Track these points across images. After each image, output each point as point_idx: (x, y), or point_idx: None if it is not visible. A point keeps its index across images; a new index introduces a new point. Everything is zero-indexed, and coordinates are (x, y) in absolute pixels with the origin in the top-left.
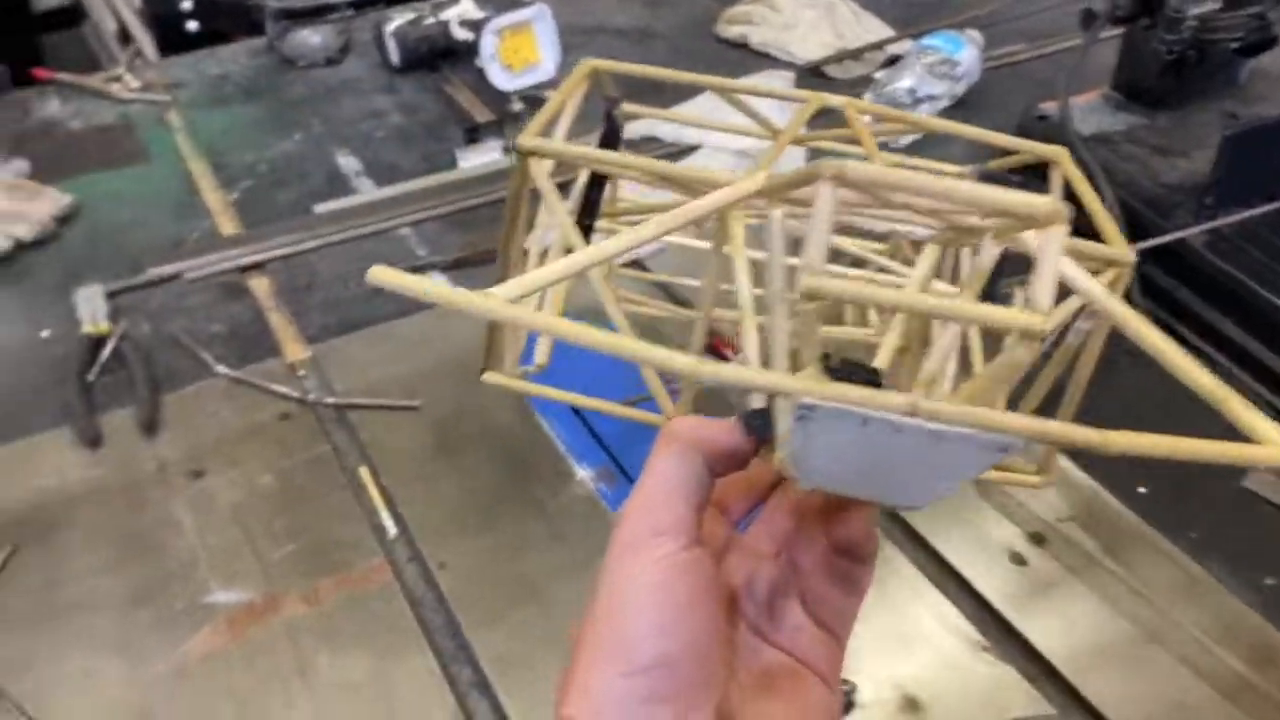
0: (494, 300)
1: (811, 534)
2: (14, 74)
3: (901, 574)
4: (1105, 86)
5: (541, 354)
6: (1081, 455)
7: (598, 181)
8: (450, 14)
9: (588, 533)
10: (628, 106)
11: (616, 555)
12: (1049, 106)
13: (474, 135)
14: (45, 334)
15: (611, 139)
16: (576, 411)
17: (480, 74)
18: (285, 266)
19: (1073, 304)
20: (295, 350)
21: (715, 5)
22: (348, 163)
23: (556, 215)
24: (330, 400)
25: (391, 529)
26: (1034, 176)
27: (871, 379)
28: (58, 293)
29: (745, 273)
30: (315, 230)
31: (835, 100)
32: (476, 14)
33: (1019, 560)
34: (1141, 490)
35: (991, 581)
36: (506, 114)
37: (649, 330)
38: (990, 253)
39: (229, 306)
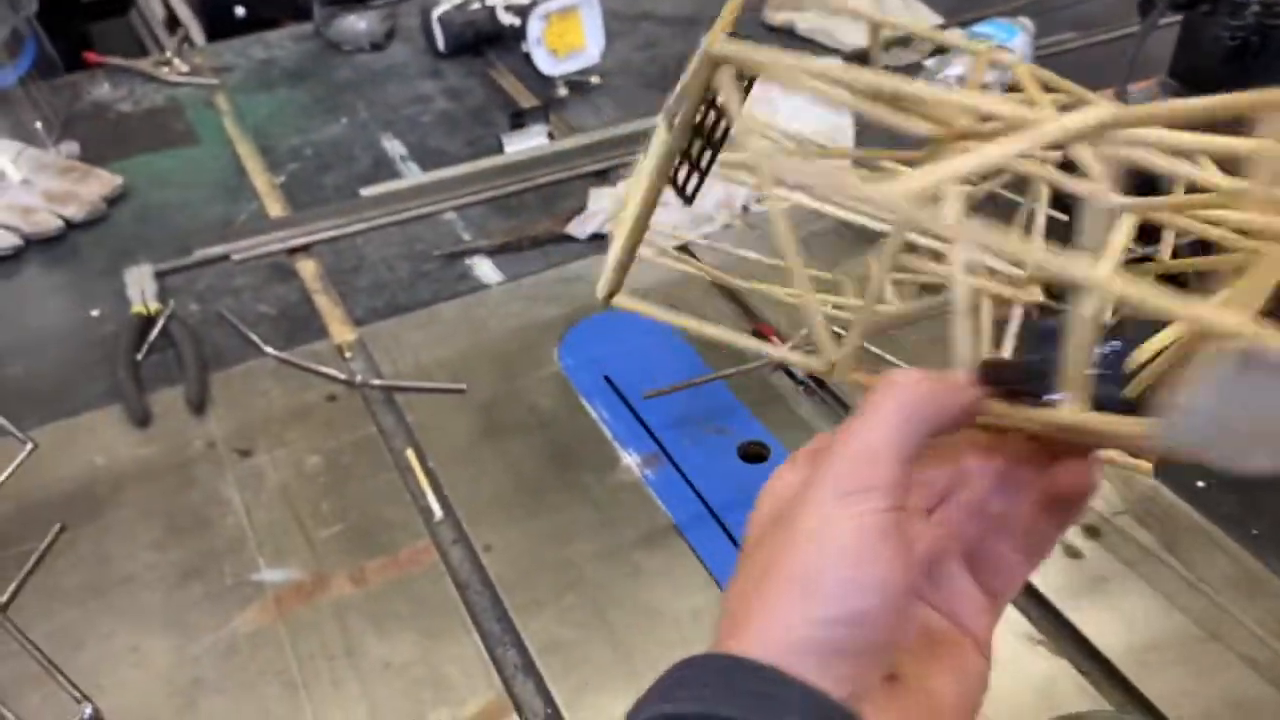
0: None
1: (982, 501)
2: (65, 59)
3: None
4: (1161, 74)
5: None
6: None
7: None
8: None
9: (633, 518)
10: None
11: (820, 499)
12: (1105, 95)
13: (519, 120)
14: (95, 313)
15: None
16: (622, 397)
17: (526, 59)
18: (332, 249)
19: None
20: (342, 332)
21: None
22: (393, 147)
23: (745, 132)
24: (377, 382)
25: (438, 511)
26: None
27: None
28: (108, 273)
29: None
30: (361, 213)
31: (1006, 56)
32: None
33: (1073, 553)
34: (1200, 484)
35: (1045, 575)
36: (551, 99)
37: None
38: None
39: (276, 288)
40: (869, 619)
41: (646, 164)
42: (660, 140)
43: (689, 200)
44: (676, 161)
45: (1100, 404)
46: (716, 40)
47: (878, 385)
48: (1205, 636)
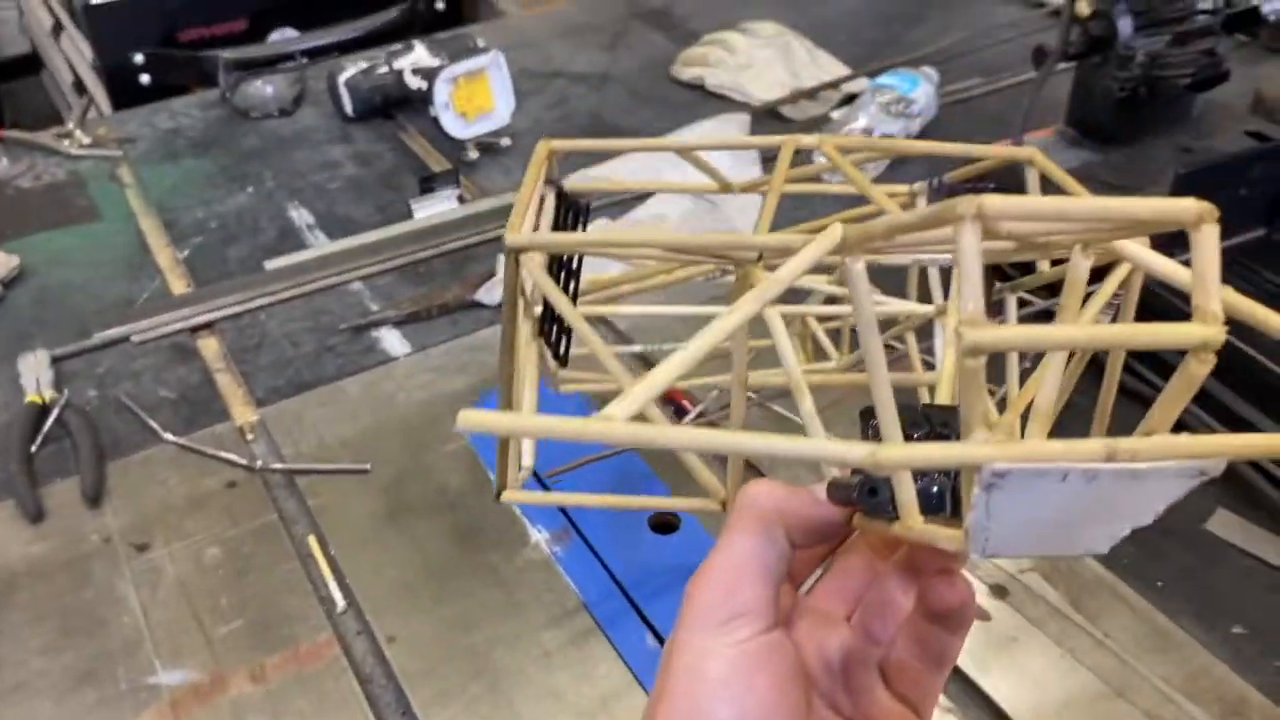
0: (616, 425)
1: (889, 598)
2: None
3: None
4: (1060, 123)
5: (527, 455)
6: None
7: (574, 264)
8: (404, 62)
9: (542, 599)
10: (573, 182)
11: (687, 637)
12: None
13: (429, 185)
14: None
15: (574, 219)
16: (534, 473)
17: (435, 122)
18: (234, 326)
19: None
20: (244, 413)
21: (671, 48)
22: (300, 216)
23: (560, 305)
24: (277, 466)
25: (340, 602)
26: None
27: (950, 424)
28: (1, 359)
29: (783, 335)
30: (265, 287)
31: (809, 140)
32: (430, 62)
33: (981, 615)
34: None
35: None
36: (462, 162)
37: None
38: (1083, 266)
39: (177, 369)
40: None
41: (519, 366)
42: (513, 342)
43: (564, 361)
44: (541, 334)
45: (937, 510)
46: (513, 232)
47: (735, 502)
48: (1112, 694)
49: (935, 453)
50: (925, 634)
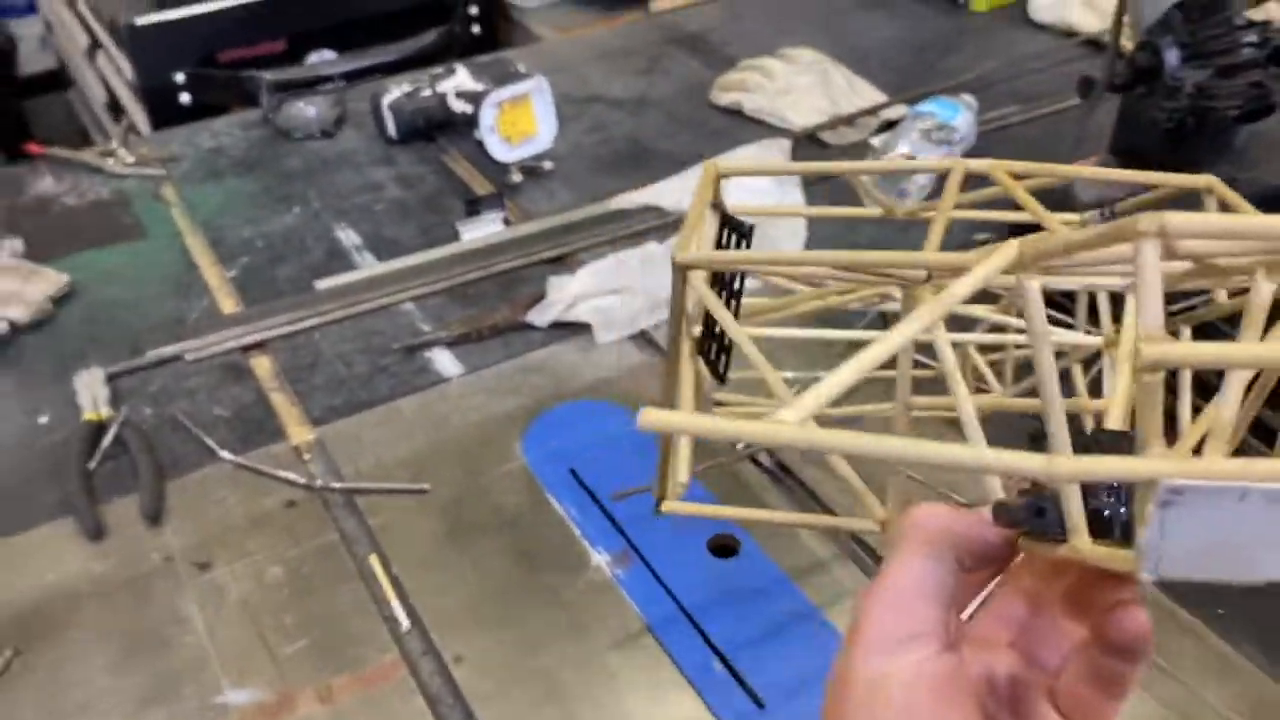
0: (788, 427)
1: (1058, 626)
2: (3, 144)
3: None
4: (1103, 152)
5: (682, 472)
6: None
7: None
8: (447, 86)
9: (605, 621)
10: (734, 208)
11: (863, 658)
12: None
13: (474, 207)
14: (44, 420)
15: (738, 240)
16: (589, 492)
17: (478, 145)
18: (287, 345)
19: None
20: (300, 433)
21: (708, 73)
22: (347, 236)
23: (724, 322)
24: (337, 485)
25: (404, 621)
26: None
27: (1121, 448)
28: (56, 377)
29: (950, 355)
30: (316, 307)
31: (978, 165)
32: (473, 86)
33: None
34: None
35: None
36: (505, 185)
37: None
38: (1265, 291)
39: (231, 388)
40: None
41: (680, 387)
42: (678, 357)
43: (723, 379)
44: (703, 352)
45: (1108, 534)
46: (683, 251)
47: (902, 524)
48: None
49: (1111, 466)
50: (1100, 663)
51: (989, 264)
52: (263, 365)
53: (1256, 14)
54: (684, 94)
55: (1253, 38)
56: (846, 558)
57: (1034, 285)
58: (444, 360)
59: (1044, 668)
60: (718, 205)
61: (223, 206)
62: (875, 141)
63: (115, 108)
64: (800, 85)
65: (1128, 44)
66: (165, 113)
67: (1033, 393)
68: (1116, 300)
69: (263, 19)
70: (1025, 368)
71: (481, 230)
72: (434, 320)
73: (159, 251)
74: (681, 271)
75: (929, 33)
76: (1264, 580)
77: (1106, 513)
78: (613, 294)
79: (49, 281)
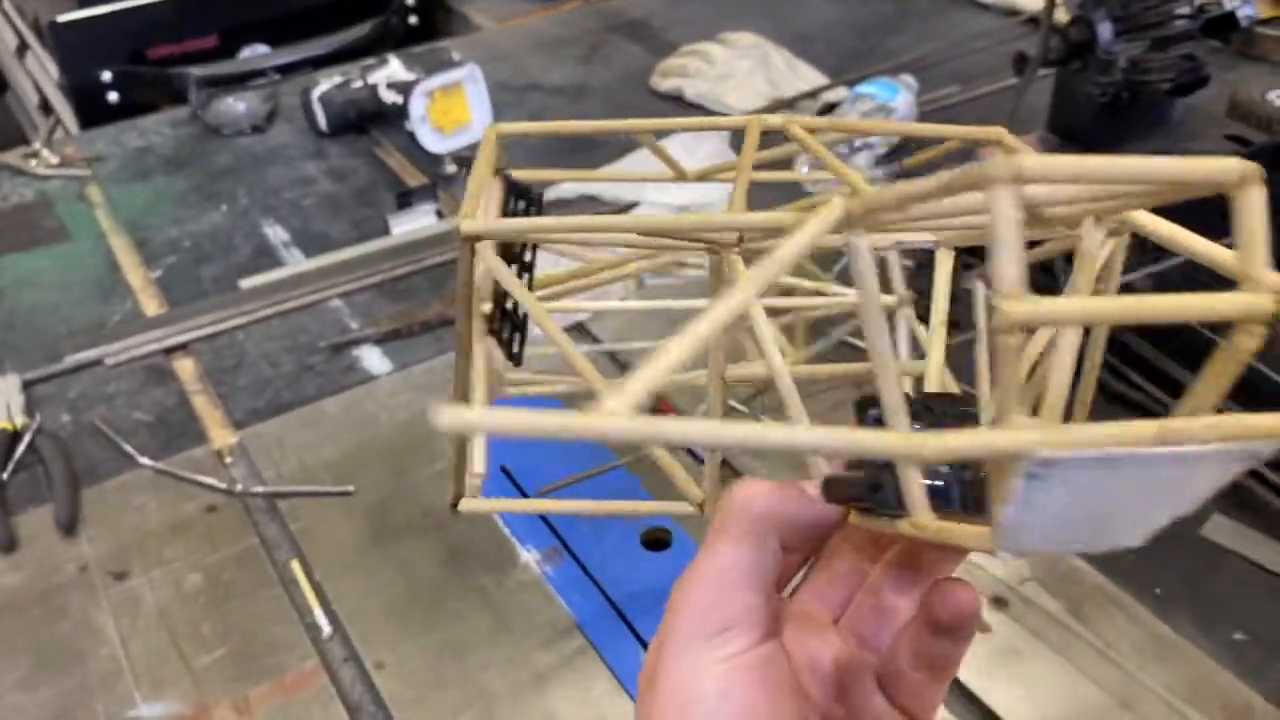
0: (615, 420)
1: (885, 603)
2: None
3: None
4: (1041, 129)
5: (478, 462)
6: None
7: (521, 253)
8: (378, 77)
9: (534, 620)
10: (530, 173)
11: (675, 652)
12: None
13: (406, 199)
14: None
15: (526, 208)
16: (520, 489)
17: (411, 137)
18: (210, 347)
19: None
20: (222, 436)
21: (649, 60)
22: (275, 233)
23: (517, 294)
24: (259, 489)
25: (326, 628)
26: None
27: (969, 412)
28: None
29: (765, 323)
30: (241, 307)
31: (774, 120)
32: (405, 76)
33: (981, 627)
34: None
35: None
36: (439, 176)
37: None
38: (1095, 239)
39: (153, 392)
40: None
41: (470, 364)
42: (469, 337)
43: (518, 360)
44: (494, 331)
45: (949, 506)
46: (467, 219)
47: (722, 504)
48: (1118, 705)
49: (980, 441)
50: (927, 643)
51: (817, 222)
52: (186, 368)
53: None
54: (624, 81)
55: (1185, 10)
56: None
57: (863, 244)
58: (372, 358)
59: (872, 648)
60: (500, 171)
61: (149, 206)
62: None
63: (47, 108)
64: (741, 70)
65: (1064, 18)
66: (94, 112)
67: (831, 357)
68: (913, 262)
69: (192, 14)
70: (816, 329)
71: (414, 223)
72: (363, 317)
73: (82, 254)
74: (468, 243)
75: (872, 14)
76: (1116, 547)
77: (943, 483)
78: None
79: None
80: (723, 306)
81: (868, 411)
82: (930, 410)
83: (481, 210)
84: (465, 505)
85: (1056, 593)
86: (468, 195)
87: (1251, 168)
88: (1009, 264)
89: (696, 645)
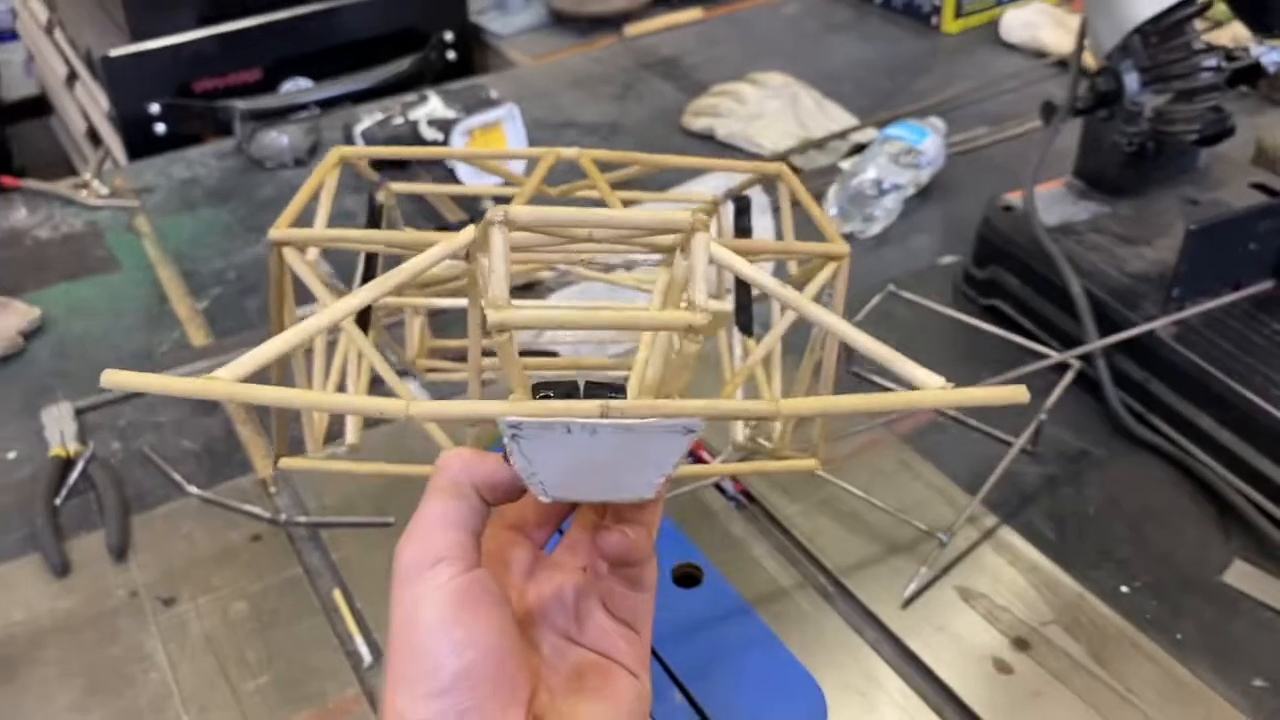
0: (220, 383)
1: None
2: None
3: (886, 687)
4: (1068, 175)
5: (351, 433)
6: (1061, 555)
7: (370, 261)
8: (419, 113)
9: None
10: (394, 185)
11: (399, 585)
12: (1014, 197)
13: None
14: (11, 455)
15: (374, 220)
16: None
17: (450, 173)
18: (257, 378)
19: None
20: (267, 466)
21: (681, 98)
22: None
23: (321, 298)
24: (302, 519)
25: (367, 656)
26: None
27: (571, 392)
28: (24, 412)
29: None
30: None
31: (569, 152)
32: (446, 113)
33: (1004, 668)
34: (1124, 589)
35: (978, 691)
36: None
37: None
38: (681, 266)
39: (200, 421)
40: (480, 670)
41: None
42: (278, 330)
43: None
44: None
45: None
46: (274, 228)
47: (434, 471)
48: None
49: (454, 408)
50: (614, 569)
51: (440, 248)
52: None
53: (1215, 39)
54: (657, 119)
55: (1211, 62)
56: (808, 585)
57: (483, 261)
58: (411, 389)
59: (598, 576)
60: (375, 183)
61: (195, 238)
62: (845, 165)
63: (94, 136)
64: (771, 109)
65: (1093, 63)
66: (141, 142)
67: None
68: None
69: (237, 48)
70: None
71: None
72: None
73: (131, 284)
74: (275, 249)
75: (901, 55)
76: (633, 497)
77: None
78: None
79: (19, 315)
80: (324, 314)
81: (540, 394)
82: (541, 390)
83: (320, 220)
84: (285, 463)
85: (1079, 635)
86: (291, 204)
87: (699, 219)
88: (496, 284)
89: (414, 581)
